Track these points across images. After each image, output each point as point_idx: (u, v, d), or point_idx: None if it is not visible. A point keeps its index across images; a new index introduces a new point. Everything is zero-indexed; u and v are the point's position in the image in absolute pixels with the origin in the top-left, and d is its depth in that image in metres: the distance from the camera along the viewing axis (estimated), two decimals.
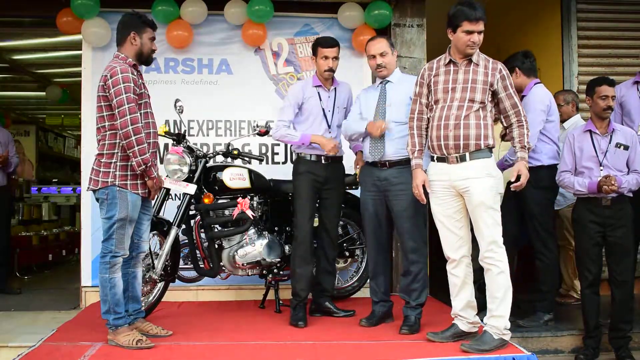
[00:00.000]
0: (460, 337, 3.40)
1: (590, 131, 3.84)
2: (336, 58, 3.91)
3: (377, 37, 3.95)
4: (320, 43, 3.91)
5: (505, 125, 3.43)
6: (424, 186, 3.38)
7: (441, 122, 3.30)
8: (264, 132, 4.08)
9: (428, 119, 3.44)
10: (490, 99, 3.34)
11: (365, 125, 3.73)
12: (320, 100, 3.95)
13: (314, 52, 3.95)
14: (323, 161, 3.94)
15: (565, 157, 3.92)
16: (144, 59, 3.43)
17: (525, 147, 3.31)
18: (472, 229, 3.38)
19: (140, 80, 3.37)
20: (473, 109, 3.27)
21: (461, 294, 3.40)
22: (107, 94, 3.24)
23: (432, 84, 3.40)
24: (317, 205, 4.02)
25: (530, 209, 4.08)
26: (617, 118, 4.34)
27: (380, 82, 3.88)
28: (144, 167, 3.24)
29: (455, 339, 3.39)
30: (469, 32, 3.23)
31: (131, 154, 3.22)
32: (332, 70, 3.91)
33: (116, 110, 3.21)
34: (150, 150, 3.32)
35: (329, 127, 3.96)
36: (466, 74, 3.31)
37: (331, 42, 3.90)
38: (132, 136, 3.19)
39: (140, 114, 3.30)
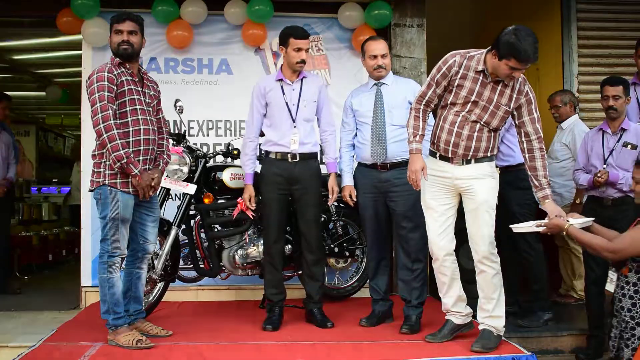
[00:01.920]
0: (457, 332, 3.43)
1: (602, 130, 3.88)
2: (308, 50, 3.77)
3: (378, 38, 3.92)
4: (293, 34, 3.69)
5: (525, 147, 3.28)
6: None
7: (453, 129, 3.25)
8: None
9: (435, 107, 3.39)
10: (504, 122, 3.32)
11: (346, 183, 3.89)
12: (284, 93, 3.77)
13: (283, 43, 3.72)
14: (290, 159, 3.75)
15: (578, 156, 4.01)
16: (117, 55, 3.35)
17: (547, 181, 3.24)
18: (463, 230, 3.39)
19: (123, 78, 3.31)
20: (486, 128, 3.25)
21: (451, 291, 3.41)
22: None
23: (456, 85, 3.22)
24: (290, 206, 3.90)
25: (511, 210, 4.09)
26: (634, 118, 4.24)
27: (375, 84, 3.86)
28: (119, 164, 3.21)
29: (453, 335, 3.41)
30: (514, 69, 3.03)
31: (106, 152, 3.22)
32: (304, 62, 3.73)
33: (90, 110, 3.25)
34: (133, 148, 3.29)
35: (294, 121, 3.75)
36: (492, 93, 3.19)
37: (304, 33, 3.72)
38: (103, 134, 3.19)
39: (127, 111, 3.29)
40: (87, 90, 3.29)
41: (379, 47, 3.79)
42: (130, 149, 3.28)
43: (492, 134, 3.28)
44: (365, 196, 3.85)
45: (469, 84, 3.20)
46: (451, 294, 3.41)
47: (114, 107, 3.26)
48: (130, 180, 3.29)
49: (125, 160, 3.21)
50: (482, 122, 3.22)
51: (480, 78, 3.19)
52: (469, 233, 3.32)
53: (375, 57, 3.78)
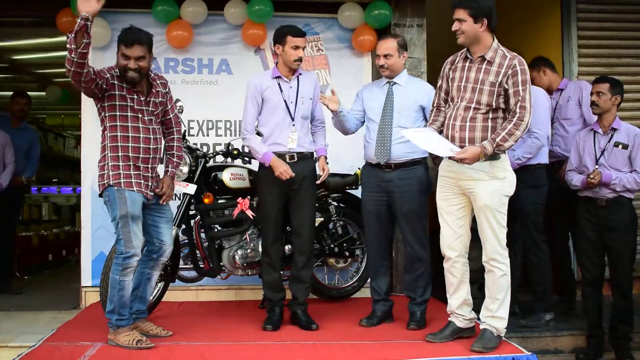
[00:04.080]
0: (458, 334, 3.41)
1: (593, 130, 3.88)
2: (304, 48, 3.75)
3: (388, 37, 3.92)
4: (290, 32, 3.69)
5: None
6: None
7: (449, 122, 3.28)
8: None
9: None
10: (504, 100, 3.20)
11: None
12: (281, 91, 3.75)
13: (280, 41, 3.71)
14: (287, 159, 3.72)
15: (571, 157, 4.00)
16: (124, 79, 3.28)
17: (494, 141, 3.11)
18: (475, 230, 3.38)
19: (125, 94, 3.30)
20: (480, 111, 3.21)
21: (458, 292, 3.40)
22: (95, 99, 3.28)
23: (450, 80, 3.34)
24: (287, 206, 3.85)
25: (523, 208, 4.07)
26: None
27: (387, 83, 3.86)
28: (76, 30, 2.91)
29: (453, 337, 3.40)
30: (455, 20, 3.21)
31: (73, 47, 2.96)
32: (301, 61, 3.73)
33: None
34: (134, 154, 3.30)
35: (292, 119, 3.75)
36: (477, 73, 3.23)
37: (301, 32, 3.73)
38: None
39: (129, 126, 3.30)
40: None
41: (382, 47, 3.81)
42: (130, 155, 3.30)
43: (489, 122, 3.21)
44: (369, 195, 3.86)
45: (458, 74, 3.31)
46: (458, 295, 3.40)
47: (93, 69, 3.15)
48: (134, 180, 3.29)
49: (75, 29, 2.93)
50: (473, 104, 3.21)
51: (467, 64, 3.29)
52: (478, 233, 3.32)
53: (378, 57, 3.82)
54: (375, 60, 3.88)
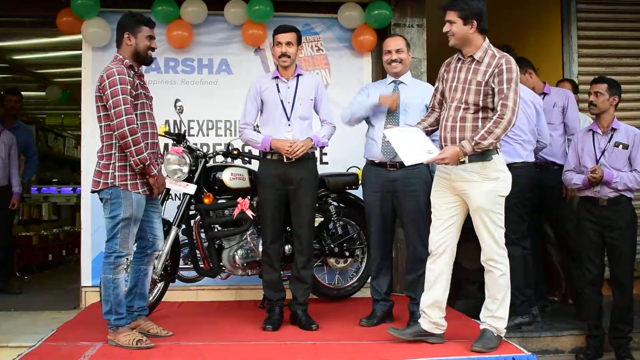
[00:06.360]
0: (420, 336, 3.36)
1: (592, 130, 3.89)
2: (290, 44, 3.72)
3: (395, 35, 4.03)
4: (274, 30, 3.80)
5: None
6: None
7: (443, 123, 3.30)
8: None
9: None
10: (492, 100, 3.19)
11: (372, 102, 3.72)
12: (279, 91, 3.77)
13: (273, 42, 3.84)
14: (285, 160, 3.70)
15: (569, 157, 4.01)
16: (141, 58, 3.39)
17: (474, 140, 3.09)
18: (472, 229, 3.37)
19: (137, 81, 3.35)
20: (469, 111, 3.21)
21: (431, 291, 3.35)
22: (103, 95, 3.25)
23: (444, 81, 3.37)
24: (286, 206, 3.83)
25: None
26: None
27: (392, 82, 3.87)
28: (141, 166, 3.24)
29: (414, 337, 3.37)
30: (446, 21, 3.23)
31: (128, 153, 3.23)
32: (286, 56, 3.72)
33: (112, 111, 3.20)
34: (149, 150, 3.32)
35: (288, 119, 3.75)
36: (467, 73, 3.24)
37: (283, 28, 3.76)
38: (128, 136, 3.19)
39: (137, 114, 3.29)
40: (106, 91, 3.22)
41: (392, 42, 3.86)
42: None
43: (479, 122, 3.19)
44: (372, 195, 3.85)
45: (451, 75, 3.33)
46: (431, 294, 3.34)
47: (131, 100, 3.27)
48: (144, 180, 3.32)
49: (147, 162, 3.25)
50: (462, 104, 3.21)
51: (459, 65, 3.31)
52: (476, 234, 3.31)
53: (389, 52, 3.83)
54: (384, 57, 3.87)
